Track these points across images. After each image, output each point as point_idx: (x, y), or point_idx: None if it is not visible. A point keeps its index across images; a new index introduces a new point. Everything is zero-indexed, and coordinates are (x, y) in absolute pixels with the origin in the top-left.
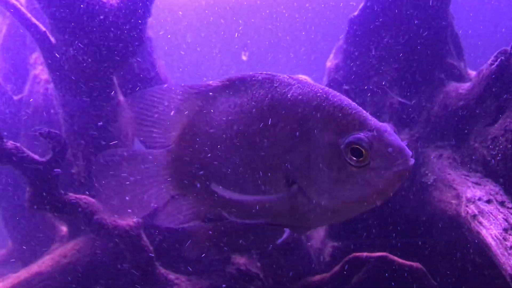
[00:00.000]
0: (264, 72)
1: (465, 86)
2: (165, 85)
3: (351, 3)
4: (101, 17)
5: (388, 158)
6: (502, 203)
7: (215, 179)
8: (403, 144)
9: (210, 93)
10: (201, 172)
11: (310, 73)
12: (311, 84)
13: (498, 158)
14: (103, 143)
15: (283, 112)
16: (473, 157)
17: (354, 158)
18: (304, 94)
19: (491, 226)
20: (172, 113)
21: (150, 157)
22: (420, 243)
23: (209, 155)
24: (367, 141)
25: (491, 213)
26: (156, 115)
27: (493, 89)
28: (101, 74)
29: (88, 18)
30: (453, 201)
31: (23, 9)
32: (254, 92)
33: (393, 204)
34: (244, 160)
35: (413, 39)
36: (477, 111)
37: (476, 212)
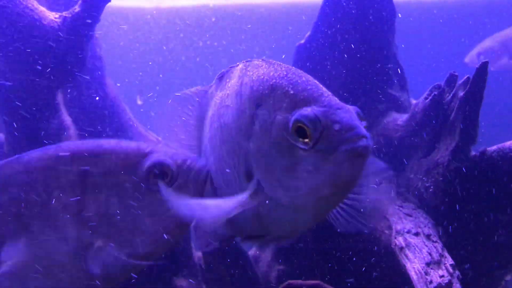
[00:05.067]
0: (244, 60)
1: (403, 118)
2: (188, 91)
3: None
4: (41, 37)
5: (334, 137)
6: (428, 237)
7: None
8: (358, 122)
9: (210, 92)
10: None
11: None
12: (279, 64)
13: (431, 190)
14: None
15: (245, 95)
16: (409, 188)
17: (300, 139)
18: (265, 74)
19: (415, 260)
20: (193, 119)
21: None
22: (358, 270)
23: (207, 152)
24: (312, 118)
25: (417, 246)
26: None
27: (427, 123)
28: (41, 95)
29: (28, 38)
30: (386, 231)
31: None
32: (232, 81)
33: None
34: (222, 155)
35: (355, 70)
36: (412, 143)
37: (403, 244)
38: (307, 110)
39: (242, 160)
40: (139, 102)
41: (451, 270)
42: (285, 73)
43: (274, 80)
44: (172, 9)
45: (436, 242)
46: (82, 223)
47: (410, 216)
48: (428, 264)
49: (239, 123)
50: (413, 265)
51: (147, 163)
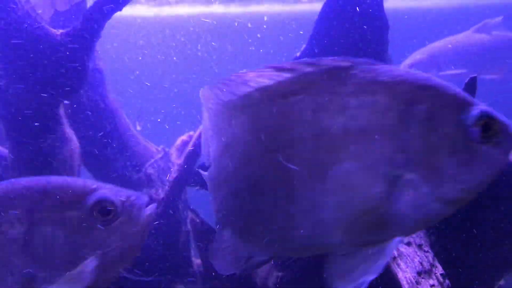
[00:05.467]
0: (341, 59)
1: None
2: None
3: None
4: (44, 52)
5: (509, 136)
6: (420, 246)
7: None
8: None
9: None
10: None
11: None
12: (404, 69)
13: None
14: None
15: (382, 96)
16: None
17: (484, 134)
18: (406, 77)
19: (407, 269)
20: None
21: None
22: None
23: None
24: (494, 115)
25: (409, 256)
26: None
27: None
28: (43, 108)
29: (32, 52)
30: None
31: None
32: (332, 81)
33: None
34: (327, 160)
35: None
36: None
37: (396, 254)
38: (488, 108)
39: (381, 161)
40: (138, 128)
41: (441, 279)
42: (426, 76)
43: (422, 81)
44: (172, 18)
45: (427, 251)
46: (27, 256)
47: None
48: (419, 274)
49: (376, 125)
50: (405, 275)
51: (92, 199)
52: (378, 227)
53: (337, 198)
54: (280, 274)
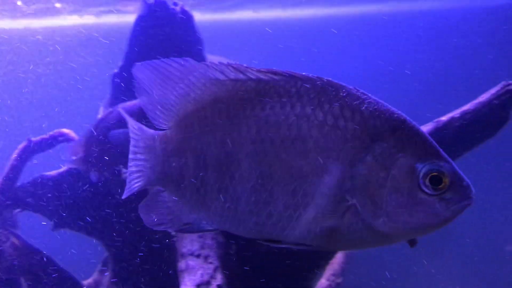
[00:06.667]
0: (321, 78)
1: None
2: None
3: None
4: None
5: (461, 193)
6: (206, 258)
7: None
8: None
9: (253, 86)
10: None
11: None
12: (385, 103)
13: None
14: None
15: (351, 124)
16: None
17: (432, 186)
18: (381, 112)
19: (188, 282)
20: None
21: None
22: None
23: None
24: (449, 171)
25: (194, 268)
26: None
27: None
28: None
29: None
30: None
31: None
32: (313, 97)
33: None
34: (284, 165)
35: None
36: None
37: (183, 267)
38: (444, 164)
39: (331, 182)
40: None
41: None
42: (403, 118)
43: (395, 122)
44: (44, 30)
45: (211, 263)
46: None
47: (201, 237)
48: (198, 286)
49: (333, 146)
50: None
51: None
52: (328, 237)
53: (289, 201)
54: None
